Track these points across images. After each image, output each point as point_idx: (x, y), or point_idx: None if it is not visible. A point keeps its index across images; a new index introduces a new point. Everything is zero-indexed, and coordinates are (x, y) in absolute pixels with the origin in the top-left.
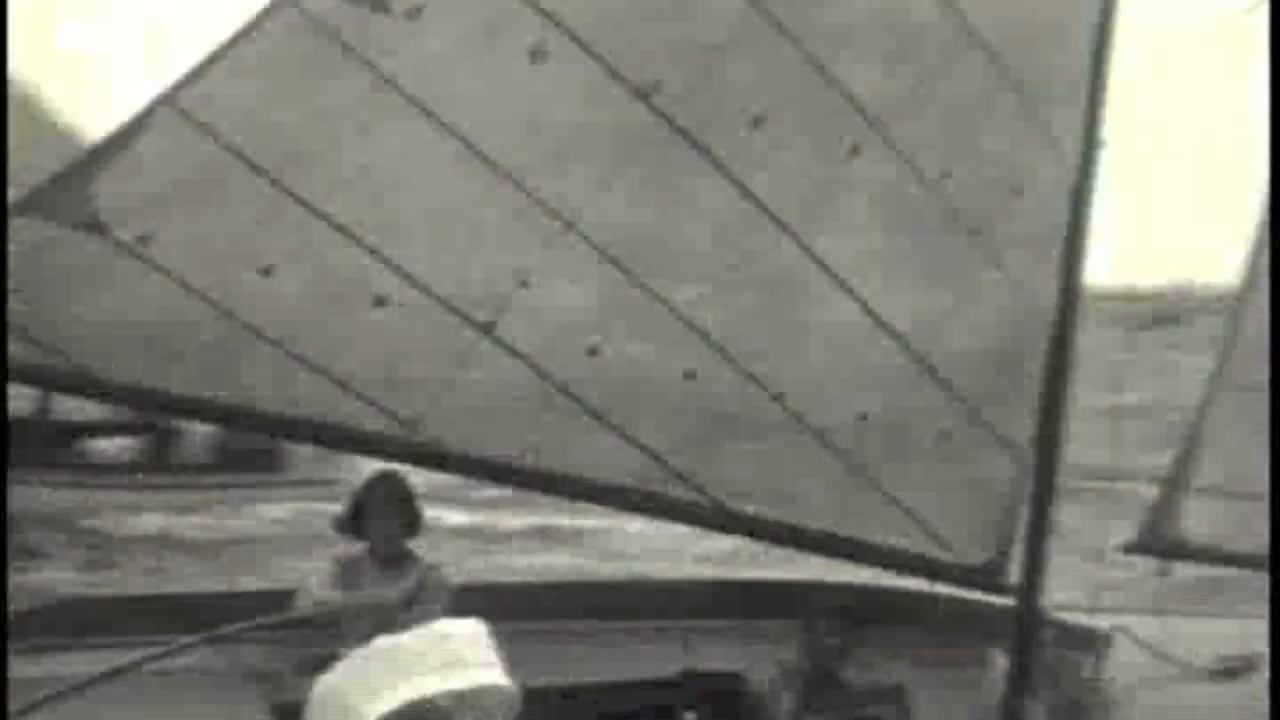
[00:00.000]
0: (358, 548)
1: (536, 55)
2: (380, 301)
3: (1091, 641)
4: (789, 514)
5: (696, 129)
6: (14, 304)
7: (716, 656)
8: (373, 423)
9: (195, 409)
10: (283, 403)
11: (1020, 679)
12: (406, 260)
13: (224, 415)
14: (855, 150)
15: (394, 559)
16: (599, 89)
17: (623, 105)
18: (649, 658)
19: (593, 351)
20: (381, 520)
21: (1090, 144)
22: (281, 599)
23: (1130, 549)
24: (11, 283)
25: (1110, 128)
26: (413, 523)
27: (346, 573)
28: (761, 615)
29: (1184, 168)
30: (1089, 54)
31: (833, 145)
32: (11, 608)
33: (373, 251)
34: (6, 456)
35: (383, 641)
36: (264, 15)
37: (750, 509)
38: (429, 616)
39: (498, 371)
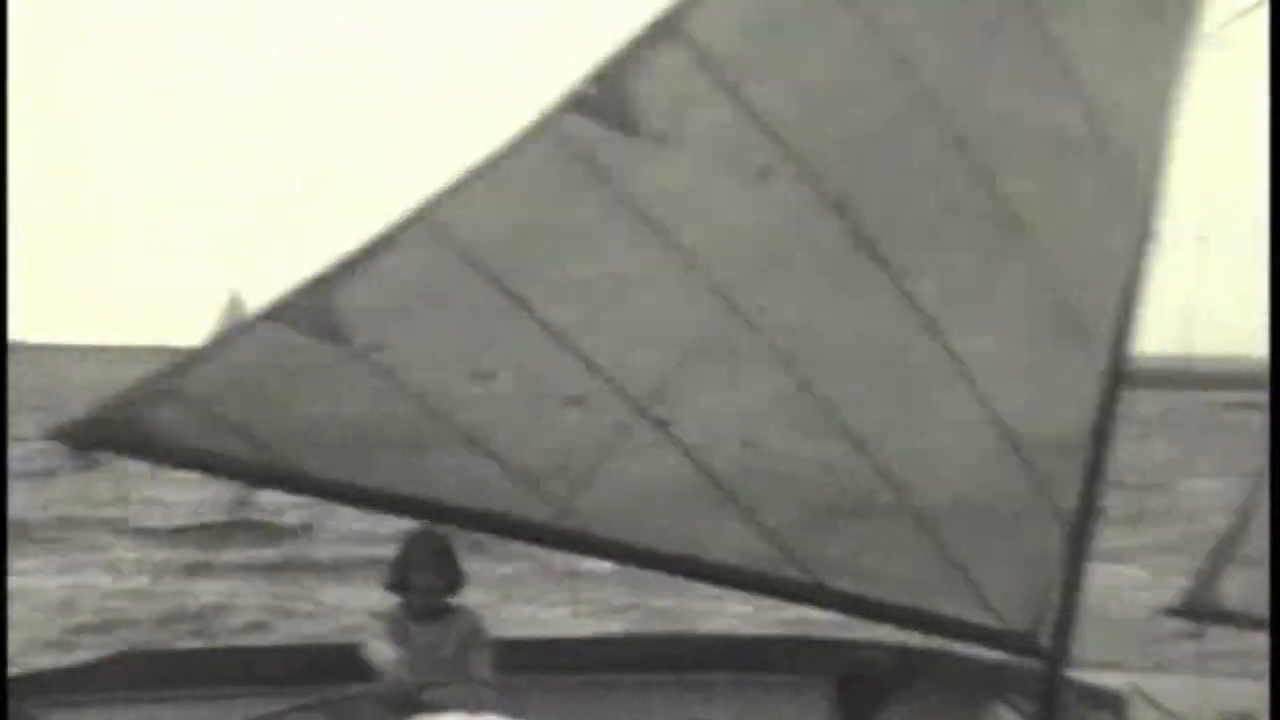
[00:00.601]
0: (397, 602)
1: (762, 175)
2: (575, 402)
3: (1109, 701)
4: (873, 590)
5: (878, 239)
6: (237, 404)
7: (723, 711)
8: (536, 512)
9: (386, 502)
10: (464, 495)
11: None
12: (605, 362)
13: (411, 508)
14: (1002, 255)
15: (434, 613)
16: (805, 204)
17: (821, 219)
18: (659, 711)
19: (747, 444)
20: (422, 576)
21: (1143, 238)
22: (327, 653)
23: (1174, 613)
24: (240, 382)
25: None
26: (454, 579)
27: (392, 626)
28: (765, 670)
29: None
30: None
31: (985, 253)
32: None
33: (579, 355)
34: (5, 463)
35: None
36: (526, 135)
37: (842, 585)
38: (480, 668)
39: (659, 463)
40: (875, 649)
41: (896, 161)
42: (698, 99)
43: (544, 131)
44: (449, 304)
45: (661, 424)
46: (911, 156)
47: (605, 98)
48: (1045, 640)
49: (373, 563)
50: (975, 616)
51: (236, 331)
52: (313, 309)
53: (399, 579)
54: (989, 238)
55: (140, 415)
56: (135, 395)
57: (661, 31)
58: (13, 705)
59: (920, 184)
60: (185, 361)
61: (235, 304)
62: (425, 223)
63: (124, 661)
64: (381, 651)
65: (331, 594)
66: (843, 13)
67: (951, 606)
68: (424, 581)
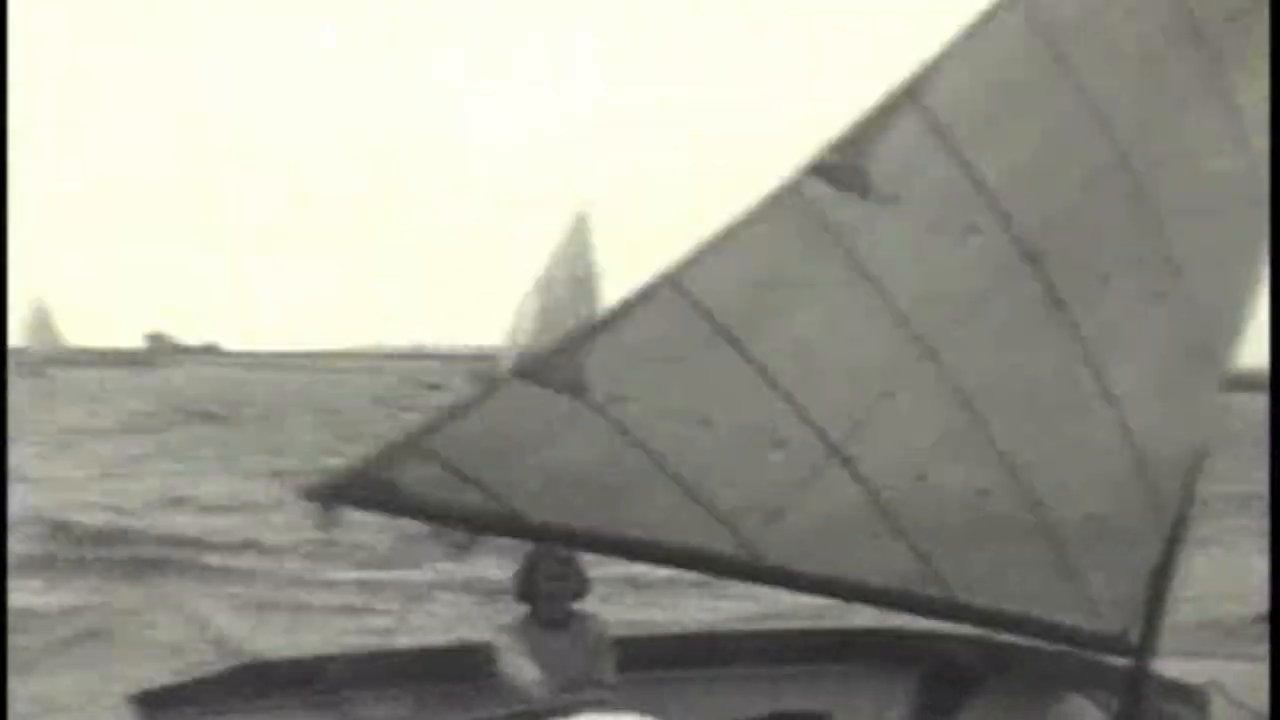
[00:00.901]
0: (520, 611)
1: (970, 232)
2: (779, 443)
3: (1191, 696)
4: (1001, 603)
5: (1061, 287)
6: (477, 457)
7: (809, 701)
8: (727, 547)
9: (592, 542)
10: (663, 533)
11: None
12: (810, 407)
13: (615, 547)
14: (1158, 297)
15: (562, 621)
16: (1004, 257)
17: (1016, 270)
18: (746, 703)
19: (921, 478)
20: (551, 585)
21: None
22: (434, 657)
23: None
24: (484, 437)
25: None
26: (580, 586)
27: (521, 638)
28: (849, 662)
29: None
30: None
31: (1147, 294)
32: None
33: (788, 401)
34: (5, 462)
35: None
36: (769, 198)
37: (976, 601)
38: (606, 673)
39: (840, 497)
40: (957, 642)
41: (1086, 213)
42: (924, 162)
43: (785, 195)
44: (682, 357)
45: (848, 461)
46: (1100, 209)
47: (843, 163)
48: (1134, 638)
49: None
50: (1084, 623)
51: (489, 389)
52: (563, 366)
53: (528, 588)
54: (1152, 280)
55: (389, 474)
56: (385, 454)
57: (900, 99)
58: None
59: (1103, 233)
60: (437, 420)
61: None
62: (670, 283)
63: (243, 673)
64: (523, 670)
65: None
66: (1057, 77)
67: (1066, 615)
68: (553, 590)
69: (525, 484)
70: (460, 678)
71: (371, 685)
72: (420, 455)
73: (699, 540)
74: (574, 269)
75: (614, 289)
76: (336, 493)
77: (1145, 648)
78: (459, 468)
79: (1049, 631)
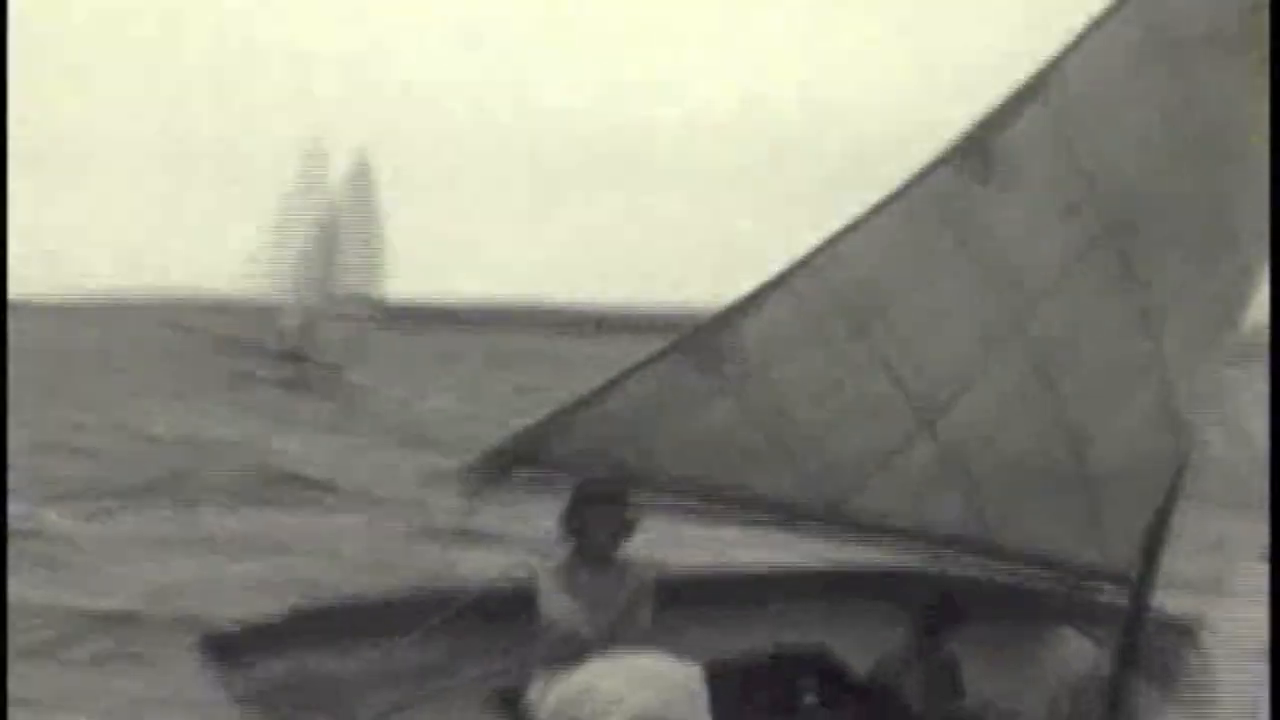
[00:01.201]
0: (565, 549)
1: (1070, 212)
2: (878, 414)
3: (1183, 630)
4: (1029, 545)
5: (1137, 260)
6: (618, 424)
7: (803, 635)
8: (816, 503)
9: (708, 495)
10: (768, 492)
11: (1127, 661)
12: (911, 379)
13: (723, 499)
14: (1215, 263)
15: (606, 561)
16: (1095, 234)
17: (1103, 245)
18: (742, 639)
19: (989, 439)
20: (599, 524)
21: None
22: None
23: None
24: (624, 410)
25: None
26: (628, 525)
27: (564, 576)
28: (835, 599)
29: None
30: None
31: (1205, 261)
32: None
33: (893, 378)
34: (6, 456)
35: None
36: (902, 187)
37: (1006, 542)
38: (645, 620)
39: (922, 458)
40: (950, 578)
41: (1169, 190)
42: (1038, 149)
43: (916, 184)
44: (808, 337)
45: (930, 424)
46: (1181, 185)
47: (972, 152)
48: (1133, 575)
49: None
50: (1098, 561)
51: (636, 366)
52: (703, 346)
53: (576, 525)
54: (1211, 249)
55: (543, 445)
56: (538, 429)
57: (1029, 91)
58: (204, 664)
59: (1179, 208)
60: (587, 395)
61: None
62: (807, 267)
63: (293, 618)
64: (564, 608)
65: None
66: (1158, 62)
67: (1086, 555)
68: (600, 531)
69: (657, 449)
70: (494, 619)
71: (406, 628)
72: (569, 427)
73: (795, 496)
74: (356, 213)
75: (399, 232)
76: (495, 465)
77: (1144, 584)
78: (603, 437)
79: (1070, 571)
